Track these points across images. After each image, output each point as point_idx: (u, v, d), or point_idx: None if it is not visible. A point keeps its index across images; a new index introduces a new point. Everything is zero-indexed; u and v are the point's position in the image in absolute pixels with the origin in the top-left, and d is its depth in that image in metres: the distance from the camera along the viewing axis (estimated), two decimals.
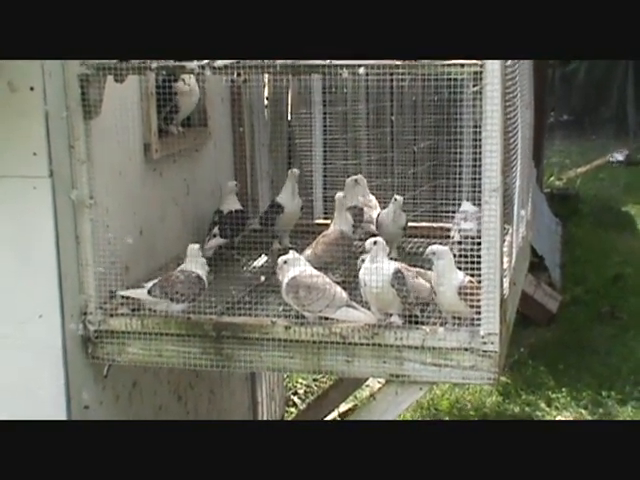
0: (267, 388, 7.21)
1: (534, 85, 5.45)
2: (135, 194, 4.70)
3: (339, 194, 5.03)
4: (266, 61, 3.88)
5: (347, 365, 4.08)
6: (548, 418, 8.03)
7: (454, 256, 4.12)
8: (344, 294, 4.18)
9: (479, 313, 3.91)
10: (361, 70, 3.83)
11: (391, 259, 4.27)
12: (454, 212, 5.13)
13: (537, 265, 10.26)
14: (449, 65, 3.74)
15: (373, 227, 5.30)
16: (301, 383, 8.57)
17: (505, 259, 4.27)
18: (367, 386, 7.86)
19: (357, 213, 5.27)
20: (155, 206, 4.92)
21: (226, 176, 5.76)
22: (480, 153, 3.78)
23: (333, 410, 7.35)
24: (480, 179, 3.81)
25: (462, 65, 3.72)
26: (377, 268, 4.06)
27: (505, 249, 4.30)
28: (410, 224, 5.37)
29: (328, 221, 5.29)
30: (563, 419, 8.00)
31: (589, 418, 8.02)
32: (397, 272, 4.07)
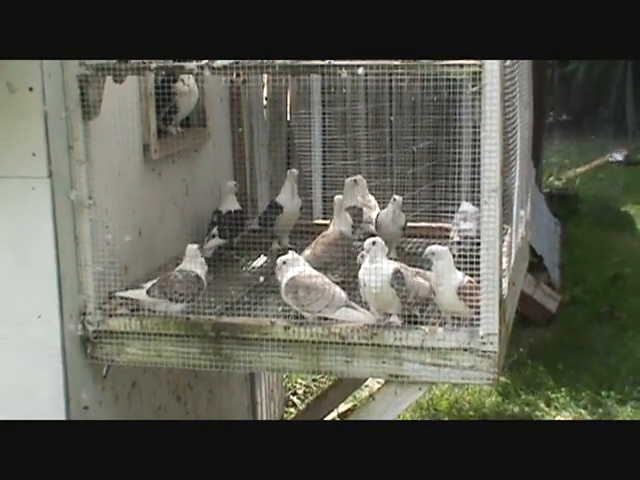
0: (266, 388, 7.21)
1: (533, 85, 5.45)
2: (134, 194, 4.70)
3: (338, 197, 5.02)
4: (265, 61, 3.88)
5: (346, 365, 4.08)
6: (547, 418, 8.03)
7: (453, 256, 4.12)
8: (343, 294, 4.18)
9: (478, 313, 3.91)
10: (360, 70, 3.83)
11: (390, 259, 4.27)
12: (453, 212, 5.13)
13: (536, 265, 10.26)
14: (448, 65, 3.74)
15: (372, 227, 5.29)
16: (300, 383, 8.57)
17: (504, 259, 4.27)
18: (366, 386, 7.86)
19: (356, 213, 5.27)
20: (154, 206, 4.92)
21: (225, 176, 5.76)
22: (479, 153, 3.78)
23: (332, 410, 7.35)
24: (479, 179, 3.81)
25: (461, 65, 3.72)
26: (376, 268, 4.06)
27: (504, 249, 4.30)
28: (409, 224, 5.37)
29: (327, 221, 5.29)
30: (562, 419, 8.00)
31: (588, 418, 8.02)
32: (396, 272, 4.07)
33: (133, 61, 4.01)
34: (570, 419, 7.99)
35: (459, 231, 4.94)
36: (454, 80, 4.17)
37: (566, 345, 9.52)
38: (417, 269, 4.41)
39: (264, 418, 7.10)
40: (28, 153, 4.03)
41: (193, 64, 3.98)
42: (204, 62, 3.96)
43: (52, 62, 3.98)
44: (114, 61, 4.02)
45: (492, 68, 3.68)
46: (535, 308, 9.89)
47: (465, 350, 3.94)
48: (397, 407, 4.18)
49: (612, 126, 20.88)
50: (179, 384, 5.32)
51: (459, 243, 4.76)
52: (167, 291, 4.27)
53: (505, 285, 4.18)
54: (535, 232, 8.73)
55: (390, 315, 4.08)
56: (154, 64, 4.01)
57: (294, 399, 8.33)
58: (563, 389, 8.49)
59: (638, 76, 21.05)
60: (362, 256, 4.18)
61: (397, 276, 4.06)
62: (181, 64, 4.02)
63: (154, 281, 4.35)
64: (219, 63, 3.94)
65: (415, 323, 4.06)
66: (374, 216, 5.37)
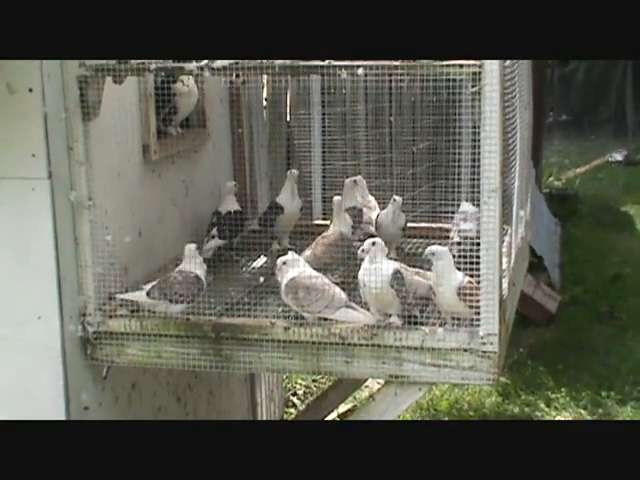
0: (266, 389, 7.21)
1: (533, 85, 5.45)
2: (134, 195, 4.70)
3: (337, 197, 5.02)
4: (265, 62, 3.88)
5: (346, 366, 4.08)
6: (547, 418, 8.03)
7: (453, 257, 4.12)
8: (343, 295, 4.18)
9: (478, 314, 3.91)
10: (360, 71, 3.83)
11: (390, 259, 4.26)
12: (453, 213, 5.13)
13: (536, 265, 10.26)
14: (448, 65, 3.74)
15: (372, 228, 5.29)
16: (300, 384, 8.56)
17: (504, 259, 4.27)
18: (366, 387, 7.86)
19: (356, 214, 5.27)
20: (154, 207, 4.92)
21: (225, 177, 5.75)
22: (479, 154, 3.78)
23: (332, 411, 7.35)
24: (479, 180, 3.81)
25: (461, 65, 3.72)
26: (376, 269, 4.06)
27: (504, 249, 4.30)
28: (409, 225, 5.37)
29: (327, 222, 5.29)
30: (562, 419, 8.00)
31: (588, 418, 8.02)
32: (396, 272, 4.07)
33: (133, 62, 4.01)
34: (570, 419, 7.99)
35: (459, 231, 4.94)
36: (454, 80, 4.18)
37: (566, 345, 9.52)
38: (417, 269, 4.41)
39: (264, 419, 7.10)
40: (28, 154, 4.03)
41: (193, 65, 3.98)
42: (204, 63, 3.96)
43: (52, 63, 3.98)
44: (114, 62, 4.02)
45: (492, 68, 3.68)
46: (535, 308, 9.89)
47: (465, 350, 3.94)
48: (397, 407, 4.18)
49: (612, 126, 20.88)
50: (179, 385, 5.32)
51: (459, 243, 4.76)
52: (167, 292, 4.27)
53: (505, 285, 4.18)
54: (535, 232, 8.73)
55: (390, 316, 4.08)
56: (154, 65, 4.01)
57: (294, 400, 8.33)
58: (563, 389, 8.49)
59: (638, 76, 21.05)
60: (363, 250, 4.16)
61: (397, 276, 4.06)
62: (181, 65, 4.02)
63: (154, 283, 4.35)
64: (219, 64, 3.94)
65: (415, 323, 4.05)
66: (374, 217, 5.37)
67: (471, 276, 4.00)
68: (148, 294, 4.28)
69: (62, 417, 4.21)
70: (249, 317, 4.22)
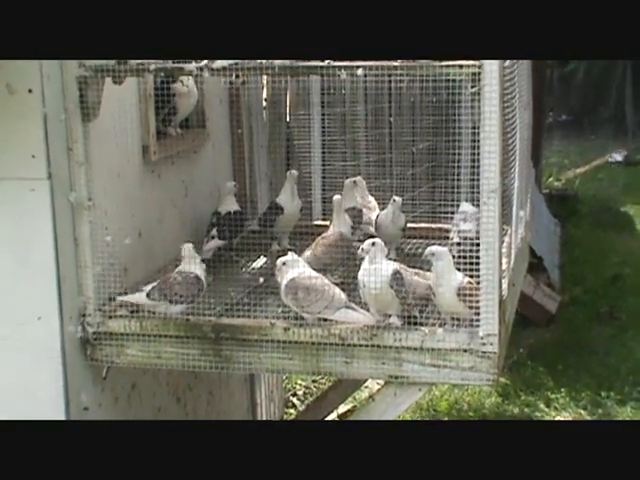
0: (266, 389, 7.21)
1: (532, 85, 5.45)
2: (133, 196, 4.70)
3: (337, 197, 5.03)
4: (264, 62, 3.88)
5: (346, 366, 4.08)
6: (547, 418, 8.03)
7: (453, 257, 4.12)
8: (343, 295, 4.18)
9: (478, 314, 3.91)
10: (359, 71, 3.83)
11: (390, 260, 4.26)
12: (453, 213, 5.13)
13: (536, 266, 10.26)
14: (447, 66, 3.74)
15: (372, 229, 5.29)
16: (300, 384, 8.56)
17: (504, 260, 4.27)
18: (366, 387, 7.86)
19: (356, 214, 5.27)
20: (153, 208, 4.92)
21: (224, 178, 5.75)
22: (479, 154, 3.78)
23: (332, 411, 7.34)
24: (479, 180, 3.81)
25: (460, 66, 3.72)
26: (376, 269, 4.06)
27: (504, 250, 4.30)
28: (409, 225, 5.37)
29: (327, 222, 5.29)
30: (562, 419, 8.00)
31: (588, 418, 8.02)
32: (396, 273, 4.07)
33: (132, 62, 4.01)
34: (570, 419, 7.99)
35: (459, 232, 4.94)
36: (453, 81, 4.18)
37: (566, 345, 9.52)
38: (417, 270, 4.41)
39: (264, 419, 7.10)
40: (27, 155, 4.03)
41: (192, 65, 3.99)
42: (203, 63, 3.96)
43: (51, 64, 3.98)
44: (113, 62, 4.02)
45: (491, 69, 3.68)
46: (535, 309, 9.89)
47: (465, 351, 3.94)
48: (397, 408, 4.18)
49: (612, 126, 20.88)
50: (179, 385, 5.32)
51: (459, 244, 4.76)
52: (167, 293, 4.27)
53: (505, 286, 4.18)
54: (535, 233, 8.73)
55: (390, 316, 4.08)
56: (153, 65, 4.02)
57: (294, 400, 8.33)
58: (563, 389, 8.49)
59: (638, 76, 21.05)
60: (362, 249, 4.16)
61: (396, 277, 4.06)
62: (180, 65, 4.03)
63: (154, 284, 4.34)
64: (218, 64, 3.94)
65: (415, 324, 4.05)
66: (374, 217, 5.36)
67: (471, 276, 4.00)
68: (148, 295, 4.28)
69: (62, 418, 4.21)
70: (249, 318, 4.22)
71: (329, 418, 7.25)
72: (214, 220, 5.27)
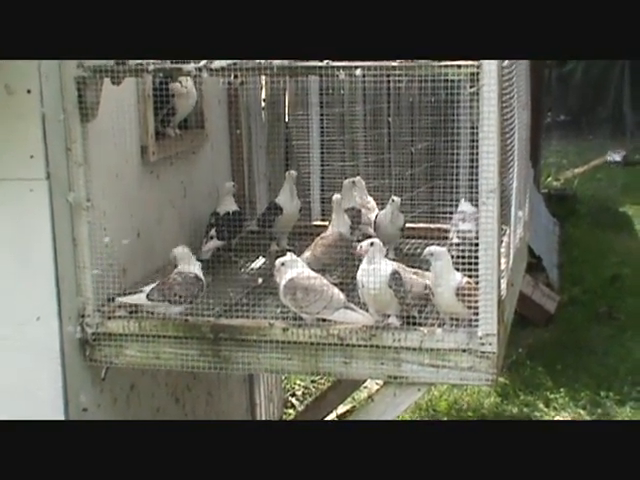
0: (265, 390, 7.21)
1: (531, 85, 5.45)
2: (132, 196, 4.70)
3: (336, 196, 5.03)
4: (263, 62, 3.88)
5: (345, 367, 4.08)
6: (546, 418, 8.03)
7: (452, 257, 4.12)
8: (342, 296, 4.18)
9: (477, 314, 3.91)
10: (358, 71, 3.83)
11: (389, 260, 4.26)
12: (452, 213, 5.13)
13: (535, 266, 10.26)
14: (446, 66, 3.74)
15: (371, 230, 5.29)
16: (299, 385, 8.56)
17: (502, 260, 4.27)
18: (365, 387, 7.85)
19: (355, 215, 5.27)
20: (152, 208, 4.92)
21: (223, 178, 5.75)
22: (477, 154, 3.78)
23: (331, 412, 7.34)
24: (477, 180, 3.81)
25: (459, 66, 3.72)
26: (374, 269, 4.06)
27: (502, 250, 4.30)
28: (408, 225, 5.37)
29: (326, 223, 5.29)
30: (561, 419, 8.00)
31: (587, 418, 8.02)
32: (394, 273, 4.07)
33: (131, 63, 4.01)
34: (569, 419, 7.99)
35: (458, 232, 4.94)
36: (452, 81, 4.18)
37: (565, 345, 9.52)
38: (416, 270, 4.40)
39: (263, 419, 7.09)
40: (26, 155, 4.03)
41: (191, 66, 3.99)
42: (202, 64, 3.96)
43: (50, 64, 3.98)
44: (112, 63, 4.02)
45: (490, 69, 3.68)
46: (534, 308, 9.89)
47: (464, 351, 3.94)
48: (396, 408, 4.18)
49: (610, 126, 20.88)
50: (178, 386, 5.32)
51: (457, 244, 4.76)
52: (166, 294, 4.26)
53: (503, 286, 4.18)
54: (533, 233, 8.73)
55: (389, 316, 4.08)
56: (152, 66, 4.02)
57: (293, 400, 8.32)
58: (562, 389, 8.49)
59: (636, 76, 21.06)
60: (361, 247, 4.16)
61: (395, 277, 4.06)
62: (179, 66, 4.03)
63: (153, 285, 4.34)
64: (217, 64, 3.93)
65: (414, 324, 4.05)
66: (373, 217, 5.37)
67: (469, 276, 4.00)
68: (148, 296, 4.28)
69: (61, 418, 4.21)
70: (248, 318, 4.22)
71: (328, 418, 7.25)
72: (213, 220, 5.27)
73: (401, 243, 5.47)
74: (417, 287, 4.18)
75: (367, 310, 4.12)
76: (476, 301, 3.91)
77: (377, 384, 6.62)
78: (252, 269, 5.19)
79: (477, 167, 3.79)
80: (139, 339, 4.23)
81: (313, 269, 4.34)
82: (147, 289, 4.32)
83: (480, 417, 8.08)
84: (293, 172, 5.51)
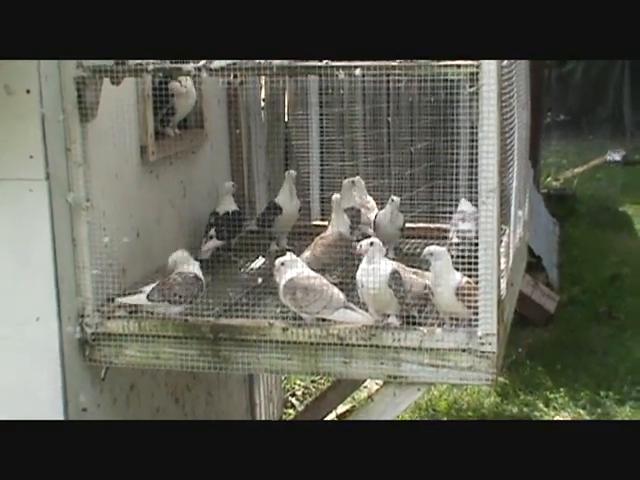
0: (265, 390, 7.21)
1: (530, 85, 5.45)
2: (131, 196, 4.70)
3: (336, 195, 5.03)
4: (262, 62, 3.88)
5: (345, 366, 4.08)
6: (546, 418, 8.03)
7: (452, 257, 4.12)
8: (341, 295, 4.18)
9: (476, 314, 3.91)
10: (357, 71, 3.83)
11: (388, 259, 4.26)
12: (451, 213, 5.13)
13: (534, 265, 10.26)
14: (445, 66, 3.74)
15: (371, 230, 5.29)
16: (299, 385, 8.56)
17: (502, 260, 4.27)
18: (365, 387, 7.85)
19: (354, 214, 5.27)
20: (152, 208, 4.91)
21: (223, 178, 5.75)
22: (477, 154, 3.78)
23: (331, 412, 7.34)
24: (477, 180, 3.81)
25: (458, 66, 3.72)
26: (374, 269, 4.06)
27: (502, 250, 4.30)
28: (407, 225, 5.37)
29: (325, 222, 5.29)
30: (561, 419, 7.99)
31: (587, 418, 8.01)
32: (394, 273, 4.07)
33: (130, 63, 4.01)
34: (569, 419, 7.99)
35: (457, 232, 4.94)
36: (451, 81, 4.17)
37: (564, 345, 9.52)
38: (415, 269, 4.40)
39: (263, 419, 7.09)
40: (26, 155, 4.03)
41: (190, 65, 3.98)
42: (201, 63, 3.96)
43: (49, 64, 3.97)
44: (111, 63, 4.02)
45: (489, 68, 3.68)
46: (533, 308, 9.89)
47: (463, 351, 3.94)
48: (396, 408, 4.18)
49: (610, 126, 20.88)
50: (177, 386, 5.32)
51: (457, 244, 4.76)
52: (166, 294, 4.26)
53: (503, 285, 4.18)
54: (533, 232, 8.73)
55: (388, 316, 4.08)
56: (151, 66, 4.02)
57: (293, 400, 8.32)
58: (562, 389, 8.49)
59: (636, 76, 21.06)
60: (360, 246, 4.16)
61: (395, 277, 4.06)
62: (178, 66, 4.03)
63: (153, 285, 4.34)
64: (216, 64, 3.93)
65: (413, 324, 4.05)
66: (372, 217, 5.37)
67: (469, 276, 4.00)
68: (148, 297, 4.28)
69: (60, 418, 4.21)
70: (247, 318, 4.22)
71: (328, 418, 7.25)
72: (212, 220, 5.27)
73: (401, 243, 5.47)
74: (417, 287, 4.18)
75: (367, 310, 4.12)
76: (476, 301, 3.91)
77: (377, 384, 6.63)
78: (252, 269, 5.19)
79: (477, 167, 3.79)
80: (139, 339, 4.23)
81: (313, 269, 4.34)
82: (147, 289, 4.32)
83: (480, 417, 8.08)
84: (292, 172, 5.51)
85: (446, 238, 5.02)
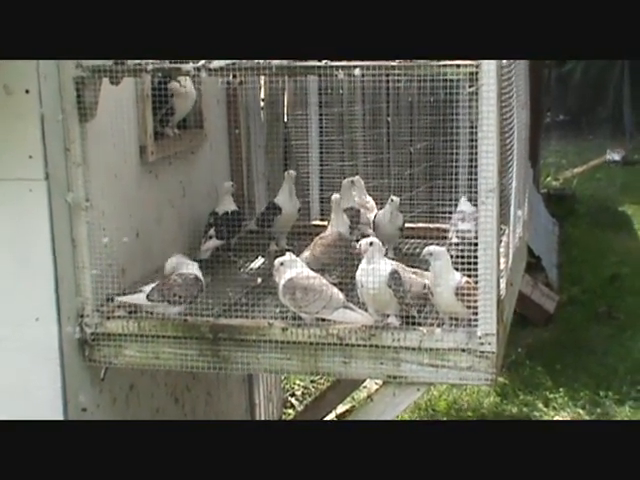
0: (264, 390, 7.21)
1: (530, 85, 5.46)
2: (131, 196, 4.70)
3: (335, 195, 5.03)
4: (262, 62, 3.88)
5: (344, 366, 4.08)
6: (546, 418, 8.03)
7: (451, 257, 4.12)
8: (341, 295, 4.18)
9: (476, 314, 3.91)
10: (357, 71, 3.82)
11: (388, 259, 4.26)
12: (451, 213, 5.13)
13: (534, 265, 10.26)
14: (445, 66, 3.74)
15: (370, 230, 5.29)
16: (299, 385, 8.56)
17: (502, 259, 4.27)
18: (364, 387, 7.85)
19: (354, 214, 5.27)
20: (151, 208, 4.91)
21: (222, 178, 5.75)
22: (476, 154, 3.78)
23: (331, 412, 7.34)
24: (476, 180, 3.81)
25: (458, 66, 3.72)
26: (373, 269, 4.05)
27: (502, 250, 4.30)
28: (407, 225, 5.37)
29: (325, 222, 5.29)
30: (561, 419, 7.99)
31: (587, 418, 8.01)
32: (394, 273, 4.07)
33: (129, 63, 4.01)
34: (568, 419, 7.99)
35: (457, 232, 4.94)
36: (451, 80, 4.17)
37: (564, 345, 9.52)
38: (415, 269, 4.40)
39: (262, 419, 7.09)
40: (25, 155, 4.03)
41: (190, 65, 3.98)
42: (201, 63, 3.95)
43: (48, 64, 3.97)
44: (110, 63, 4.02)
45: (489, 68, 3.68)
46: (533, 308, 9.89)
47: (463, 351, 3.94)
48: (395, 408, 4.18)
49: (610, 126, 20.90)
50: (177, 386, 5.32)
51: (457, 244, 4.76)
52: (166, 294, 4.26)
53: (503, 285, 4.18)
54: (533, 232, 8.73)
55: (388, 316, 4.08)
56: (150, 66, 4.01)
57: (292, 400, 8.32)
58: (561, 389, 8.49)
59: (636, 76, 21.06)
60: (361, 245, 4.16)
61: (394, 277, 4.05)
62: (177, 66, 4.02)
63: (153, 285, 4.34)
64: (216, 64, 3.93)
65: (413, 324, 4.05)
66: (372, 217, 5.36)
67: (469, 276, 4.00)
68: (148, 297, 4.28)
69: (60, 418, 4.20)
70: (247, 318, 4.22)
71: (327, 418, 7.25)
72: (212, 220, 5.26)
73: (400, 243, 5.47)
74: (416, 286, 4.18)
75: (366, 310, 4.12)
76: (475, 301, 3.91)
77: (376, 384, 6.62)
78: (251, 269, 5.19)
79: (476, 167, 3.79)
80: (138, 339, 4.23)
81: (312, 269, 4.34)
82: (147, 289, 4.32)
83: (479, 417, 8.08)
84: (292, 172, 5.51)
85: (446, 238, 5.02)
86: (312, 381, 8.57)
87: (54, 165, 4.07)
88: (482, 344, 3.91)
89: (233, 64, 3.91)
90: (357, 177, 5.66)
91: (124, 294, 4.36)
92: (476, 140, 3.78)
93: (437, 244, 4.31)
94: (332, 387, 7.13)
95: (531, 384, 8.63)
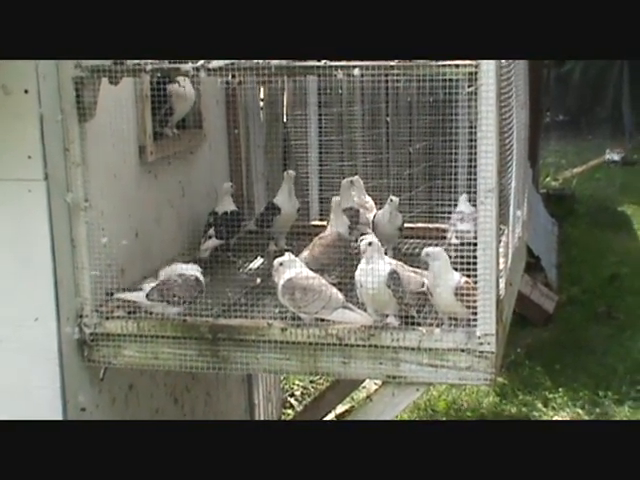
0: (264, 390, 7.21)
1: (529, 85, 5.45)
2: (130, 196, 4.70)
3: (336, 198, 5.03)
4: (261, 62, 3.88)
5: (343, 367, 4.08)
6: (545, 418, 8.03)
7: (450, 257, 4.12)
8: (340, 295, 4.18)
9: (475, 314, 3.91)
10: (356, 71, 3.82)
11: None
12: (450, 213, 5.13)
13: (533, 265, 10.26)
14: (444, 66, 3.74)
15: (370, 230, 5.28)
16: (298, 385, 8.56)
17: (501, 260, 4.27)
18: (364, 387, 7.85)
19: (353, 214, 5.26)
20: (150, 208, 4.91)
21: (221, 178, 5.75)
22: (476, 154, 3.78)
23: (330, 412, 7.34)
24: (476, 180, 3.81)
25: (457, 65, 3.72)
26: (373, 269, 4.05)
27: (501, 250, 4.30)
28: (406, 225, 5.37)
29: (324, 223, 5.29)
30: (560, 419, 7.99)
31: (586, 418, 8.01)
32: (393, 273, 4.07)
33: (128, 63, 4.01)
34: (568, 419, 7.99)
35: (456, 232, 4.94)
36: (450, 80, 4.17)
37: (563, 345, 9.52)
38: (414, 269, 4.40)
39: (262, 420, 7.09)
40: (24, 156, 4.02)
41: (189, 65, 3.98)
42: (200, 63, 3.95)
43: (47, 64, 3.97)
44: (109, 63, 4.01)
45: (488, 68, 3.68)
46: (532, 308, 9.89)
47: (462, 351, 3.93)
48: (395, 408, 4.18)
49: (609, 126, 20.91)
50: (176, 386, 5.32)
51: (456, 244, 4.76)
52: (165, 294, 4.26)
53: (502, 285, 4.17)
54: (532, 232, 8.73)
55: (387, 316, 4.07)
56: (149, 66, 4.01)
57: (292, 401, 8.32)
58: (561, 389, 8.49)
59: (635, 76, 21.07)
60: (361, 241, 4.16)
61: (393, 277, 4.05)
62: (176, 66, 4.02)
63: (153, 284, 4.33)
64: (215, 64, 3.93)
65: (412, 324, 4.05)
66: (371, 217, 5.36)
67: (468, 276, 4.00)
68: (148, 296, 4.27)
69: (59, 418, 4.20)
70: (246, 318, 4.22)
71: (327, 418, 7.25)
72: (211, 220, 5.26)
73: (399, 243, 5.46)
74: (414, 284, 4.18)
75: (366, 310, 4.12)
76: (475, 301, 3.91)
77: (376, 384, 6.62)
78: (250, 269, 5.19)
79: (475, 167, 3.79)
80: (137, 339, 4.22)
81: (311, 269, 4.34)
82: (147, 287, 4.32)
83: (479, 417, 8.08)
84: (291, 172, 5.51)
85: (445, 238, 5.02)
86: (311, 381, 8.57)
87: (53, 165, 4.07)
88: (481, 344, 3.91)
89: (232, 64, 3.91)
90: (356, 177, 5.66)
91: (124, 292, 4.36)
92: (475, 140, 3.78)
93: (436, 244, 4.31)
94: (331, 387, 7.12)
95: (530, 384, 8.63)
